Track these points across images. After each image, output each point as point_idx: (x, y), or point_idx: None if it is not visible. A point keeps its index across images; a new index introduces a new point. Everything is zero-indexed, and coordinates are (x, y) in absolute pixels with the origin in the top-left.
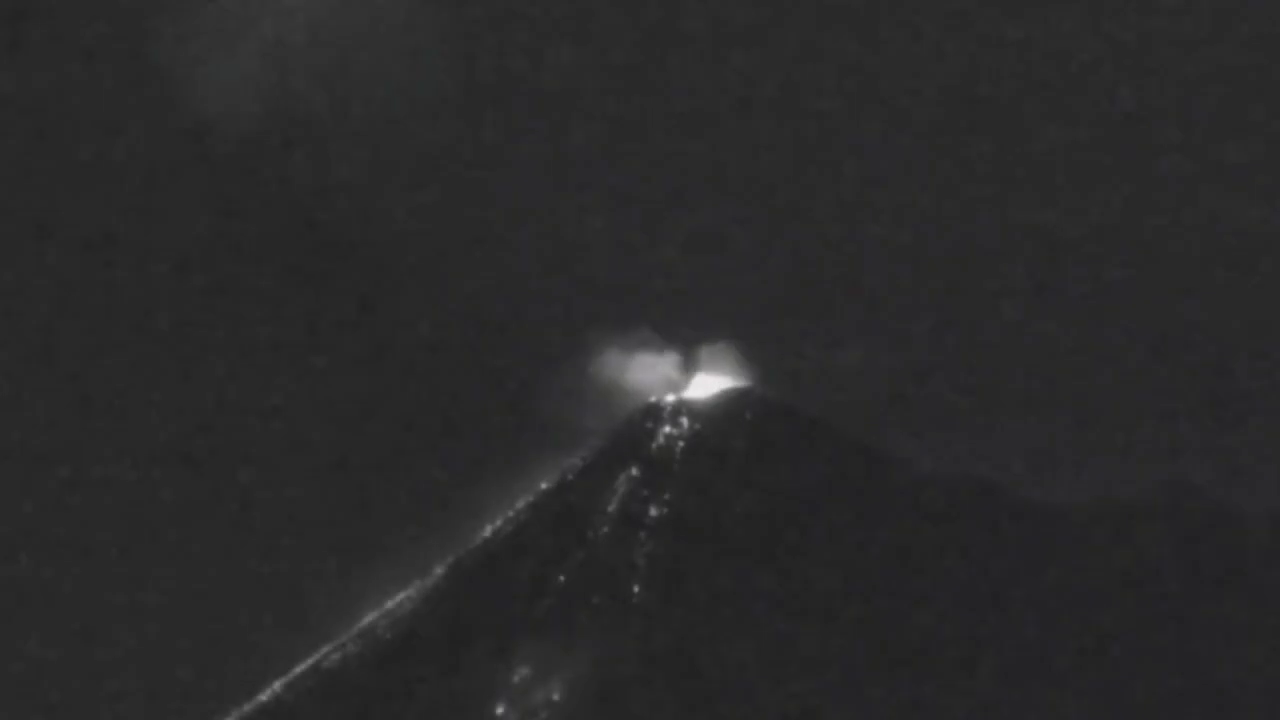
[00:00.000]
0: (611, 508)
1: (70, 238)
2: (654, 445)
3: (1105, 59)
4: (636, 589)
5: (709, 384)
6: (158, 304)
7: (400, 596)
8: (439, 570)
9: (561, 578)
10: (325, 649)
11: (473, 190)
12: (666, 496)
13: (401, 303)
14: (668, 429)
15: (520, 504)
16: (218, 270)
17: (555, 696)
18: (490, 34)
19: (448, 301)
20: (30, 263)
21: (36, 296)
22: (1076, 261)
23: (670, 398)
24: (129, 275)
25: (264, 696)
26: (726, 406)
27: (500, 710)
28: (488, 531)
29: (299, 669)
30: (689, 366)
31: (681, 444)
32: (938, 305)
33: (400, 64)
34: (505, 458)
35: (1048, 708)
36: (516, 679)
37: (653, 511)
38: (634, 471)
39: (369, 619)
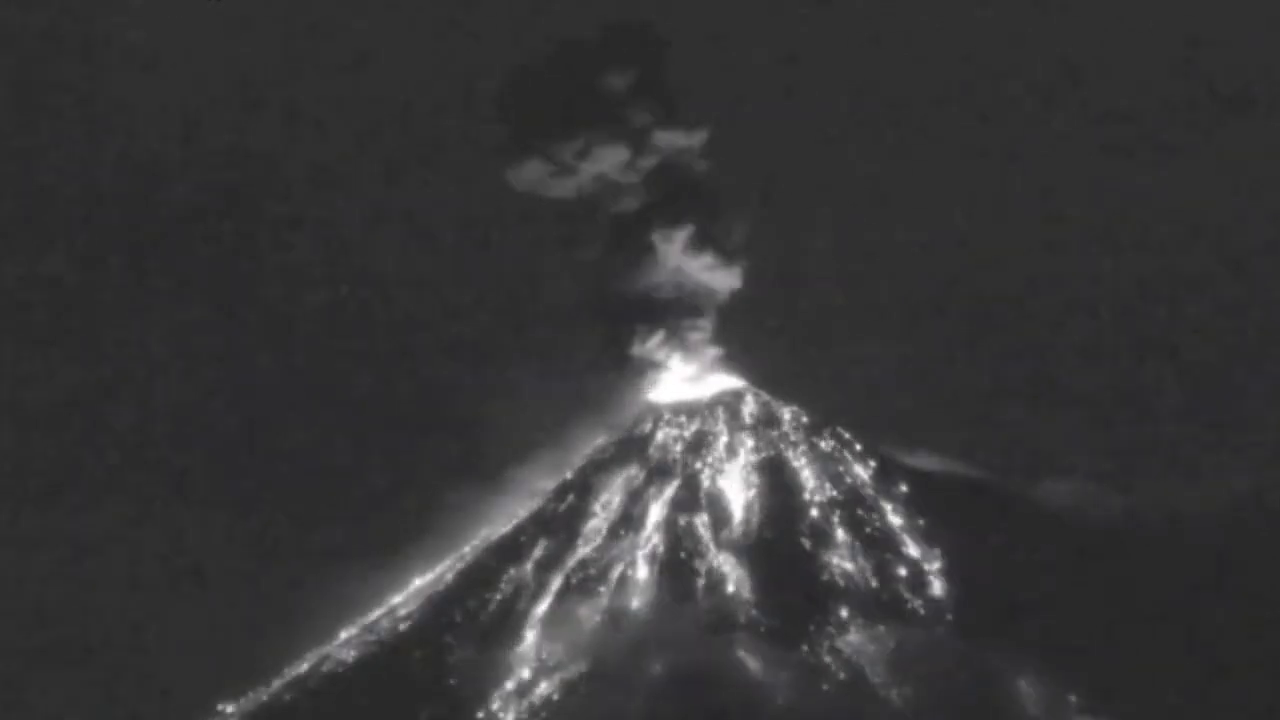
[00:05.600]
0: (611, 508)
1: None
2: (654, 445)
3: (1104, 58)
4: (636, 589)
5: (709, 384)
6: (154, 305)
7: (400, 596)
8: (439, 570)
9: (561, 578)
10: (325, 649)
11: (469, 192)
12: (666, 496)
13: (400, 303)
14: (668, 429)
15: (520, 504)
16: (217, 273)
17: (555, 696)
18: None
19: (446, 302)
20: None
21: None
22: (1079, 260)
23: (670, 398)
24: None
25: (264, 696)
26: (726, 406)
27: (500, 710)
28: (488, 531)
29: (299, 669)
30: (689, 367)
31: (681, 444)
32: (938, 305)
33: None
34: (505, 457)
35: (1047, 707)
36: (516, 679)
37: (653, 511)
38: (634, 471)
39: (369, 619)
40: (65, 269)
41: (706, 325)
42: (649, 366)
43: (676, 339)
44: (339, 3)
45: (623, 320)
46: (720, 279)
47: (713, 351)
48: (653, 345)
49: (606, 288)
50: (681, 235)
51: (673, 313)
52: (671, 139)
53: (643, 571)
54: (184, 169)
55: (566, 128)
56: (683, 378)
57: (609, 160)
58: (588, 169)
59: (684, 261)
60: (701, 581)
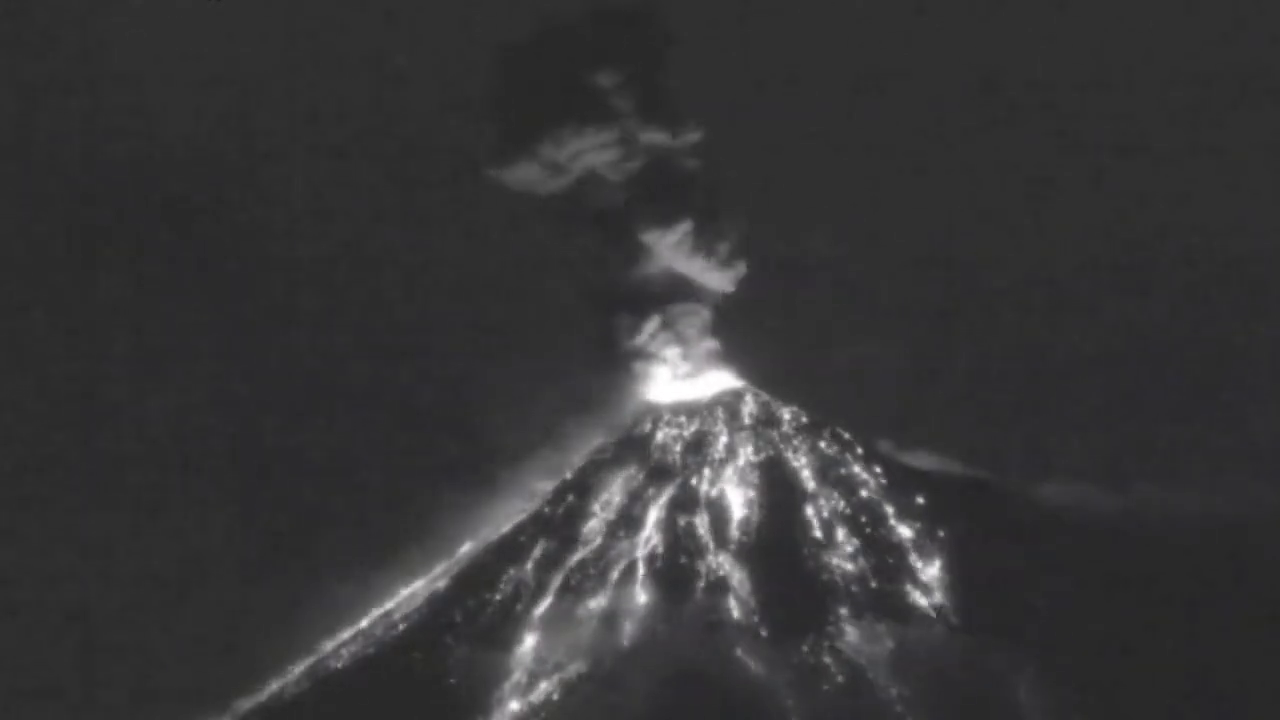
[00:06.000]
0: (611, 508)
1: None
2: (654, 445)
3: (1104, 58)
4: (636, 589)
5: (709, 384)
6: (153, 307)
7: (400, 596)
8: (439, 570)
9: (561, 578)
10: (325, 649)
11: (465, 190)
12: (666, 497)
13: (399, 303)
14: (668, 429)
15: (519, 504)
16: (216, 274)
17: (555, 696)
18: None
19: (445, 301)
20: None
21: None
22: (1078, 260)
23: (670, 398)
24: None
25: (264, 696)
26: (726, 406)
27: (500, 710)
28: (487, 532)
29: (299, 669)
30: (688, 366)
31: (681, 444)
32: (939, 305)
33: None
34: (504, 457)
35: (1047, 707)
36: (516, 679)
37: (653, 511)
38: (633, 471)
39: (369, 619)
40: (65, 269)
41: (705, 325)
42: (648, 367)
43: (676, 339)
44: (338, 3)
45: (621, 321)
46: (719, 279)
47: (712, 351)
48: (652, 345)
49: (604, 288)
50: (679, 235)
51: (672, 313)
52: (668, 138)
53: (642, 572)
54: (183, 169)
55: (561, 127)
56: (682, 378)
57: (605, 160)
58: (584, 168)
59: (683, 261)
60: (701, 582)
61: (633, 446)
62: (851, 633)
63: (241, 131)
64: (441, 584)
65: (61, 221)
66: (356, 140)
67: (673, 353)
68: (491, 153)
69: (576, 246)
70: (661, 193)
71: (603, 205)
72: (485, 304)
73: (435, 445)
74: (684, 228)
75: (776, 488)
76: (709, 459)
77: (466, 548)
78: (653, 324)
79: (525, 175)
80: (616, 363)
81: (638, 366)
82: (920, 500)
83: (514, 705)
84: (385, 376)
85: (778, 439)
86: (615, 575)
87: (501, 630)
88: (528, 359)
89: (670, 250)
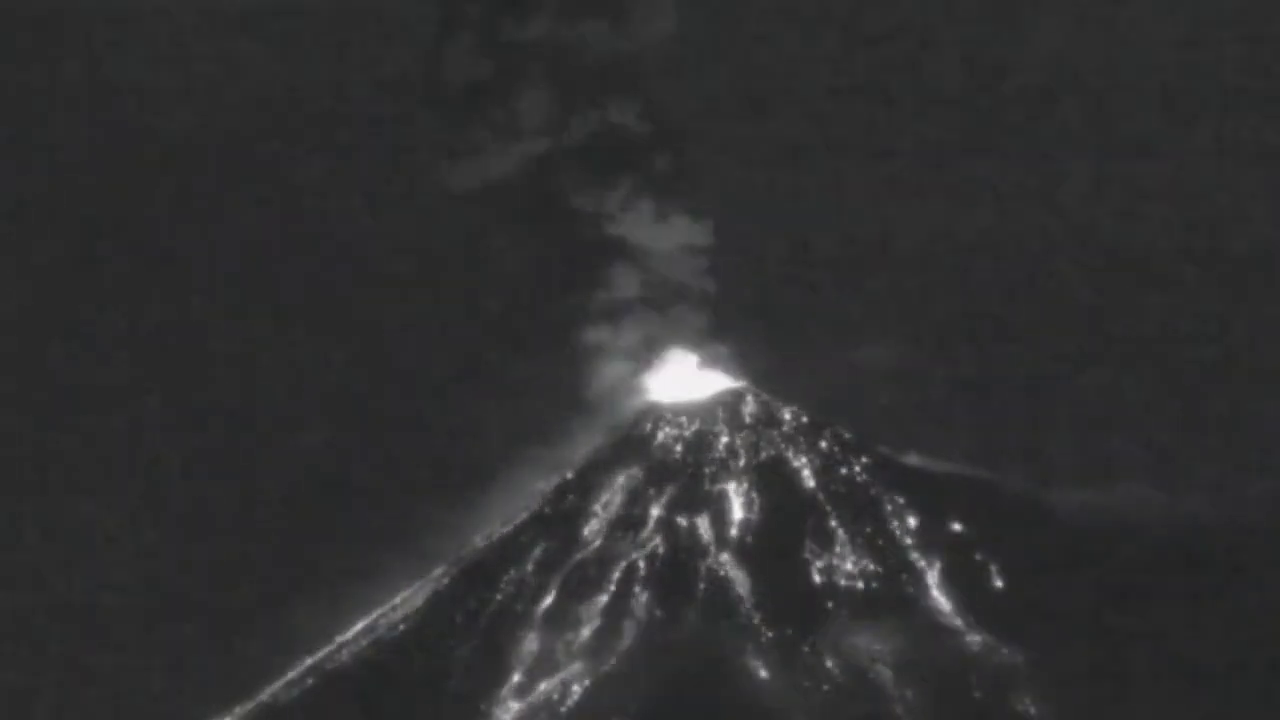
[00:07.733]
0: (611, 508)
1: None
2: (654, 445)
3: (1104, 57)
4: (636, 589)
5: (709, 384)
6: (156, 306)
7: (400, 597)
8: (439, 570)
9: (561, 578)
10: (325, 649)
11: (455, 191)
12: (666, 497)
13: (397, 303)
14: (668, 429)
15: (520, 504)
16: (216, 274)
17: (555, 696)
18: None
19: (444, 301)
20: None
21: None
22: (1078, 260)
23: (670, 398)
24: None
25: (264, 696)
26: (726, 406)
27: (500, 710)
28: (487, 532)
29: (299, 669)
30: (688, 366)
31: (681, 444)
32: (938, 305)
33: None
34: (504, 457)
35: (1048, 708)
36: (516, 679)
37: (653, 511)
38: (634, 471)
39: (369, 619)
40: (64, 268)
41: (705, 324)
42: (647, 366)
43: (675, 338)
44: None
45: (620, 319)
46: (719, 278)
47: (711, 350)
48: (651, 345)
49: (602, 286)
50: (679, 234)
51: (671, 312)
52: (664, 134)
53: (643, 572)
54: (176, 170)
55: (554, 123)
56: (682, 378)
57: (599, 157)
58: (580, 166)
59: (683, 260)
60: (701, 582)
61: (633, 446)
62: (851, 633)
63: (237, 126)
64: (441, 584)
65: (61, 219)
66: (354, 142)
67: (672, 352)
68: (480, 148)
69: (574, 245)
70: (661, 191)
71: (600, 203)
72: (480, 304)
73: (434, 445)
74: (684, 227)
75: (777, 488)
76: (709, 459)
77: (466, 548)
78: (653, 323)
79: (522, 174)
80: (615, 362)
81: (637, 366)
82: (920, 501)
83: (514, 705)
84: (383, 377)
85: (778, 439)
86: (615, 575)
87: (501, 630)
88: (525, 359)
89: (671, 248)
